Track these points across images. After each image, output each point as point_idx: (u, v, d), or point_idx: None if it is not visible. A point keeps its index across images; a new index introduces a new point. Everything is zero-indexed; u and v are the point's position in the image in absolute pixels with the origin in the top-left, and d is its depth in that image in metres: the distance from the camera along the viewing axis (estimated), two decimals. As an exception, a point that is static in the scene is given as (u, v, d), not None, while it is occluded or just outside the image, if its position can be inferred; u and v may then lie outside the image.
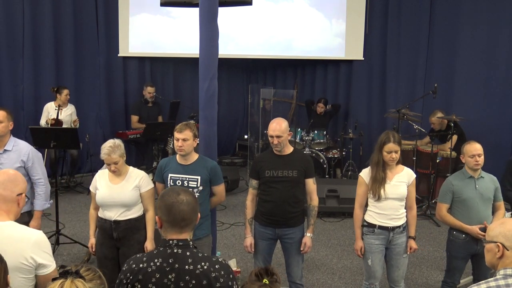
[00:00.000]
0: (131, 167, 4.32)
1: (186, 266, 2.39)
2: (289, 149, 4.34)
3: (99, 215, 4.31)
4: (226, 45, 9.09)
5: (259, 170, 4.32)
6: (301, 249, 4.32)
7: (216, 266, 2.42)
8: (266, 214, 4.32)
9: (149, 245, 4.27)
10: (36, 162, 4.45)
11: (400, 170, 4.25)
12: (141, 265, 2.42)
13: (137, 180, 4.22)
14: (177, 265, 2.40)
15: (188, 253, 2.42)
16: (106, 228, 4.22)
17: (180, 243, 2.44)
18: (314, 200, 4.39)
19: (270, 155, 4.36)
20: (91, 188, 4.38)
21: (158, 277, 2.39)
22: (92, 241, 4.39)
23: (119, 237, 4.20)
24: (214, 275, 2.39)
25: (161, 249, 2.46)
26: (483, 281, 2.42)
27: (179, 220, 2.43)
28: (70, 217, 7.15)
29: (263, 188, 4.34)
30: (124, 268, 2.48)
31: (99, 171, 4.44)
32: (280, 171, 4.24)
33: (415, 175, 4.30)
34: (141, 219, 4.29)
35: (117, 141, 4.19)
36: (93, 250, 4.38)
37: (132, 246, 4.22)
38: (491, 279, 2.42)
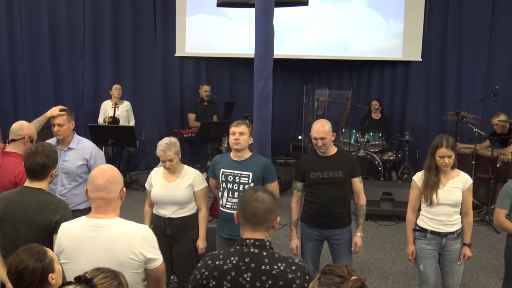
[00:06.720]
0: (185, 166, 4.39)
1: (263, 266, 2.38)
2: (333, 150, 4.28)
3: (153, 212, 4.39)
4: (282, 45, 9.08)
5: (304, 173, 4.28)
6: (352, 249, 4.27)
7: (293, 267, 2.40)
8: (312, 216, 4.28)
9: (200, 243, 4.33)
10: (99, 160, 4.51)
11: (455, 175, 4.11)
12: (217, 262, 2.44)
13: (191, 178, 4.28)
14: (253, 265, 2.39)
15: (264, 253, 2.42)
16: (160, 225, 4.29)
17: (256, 243, 2.44)
18: (362, 199, 4.32)
19: (314, 156, 4.31)
20: (146, 185, 4.46)
21: (234, 275, 2.39)
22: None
23: (173, 234, 4.26)
24: (290, 276, 2.37)
25: (237, 247, 2.46)
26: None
27: (251, 217, 2.44)
28: (126, 214, 7.22)
29: (308, 190, 4.30)
30: (199, 264, 2.51)
31: (154, 168, 4.52)
32: (326, 172, 4.19)
33: (471, 181, 4.13)
34: (194, 217, 4.35)
35: (173, 139, 4.27)
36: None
37: (184, 244, 4.30)
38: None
